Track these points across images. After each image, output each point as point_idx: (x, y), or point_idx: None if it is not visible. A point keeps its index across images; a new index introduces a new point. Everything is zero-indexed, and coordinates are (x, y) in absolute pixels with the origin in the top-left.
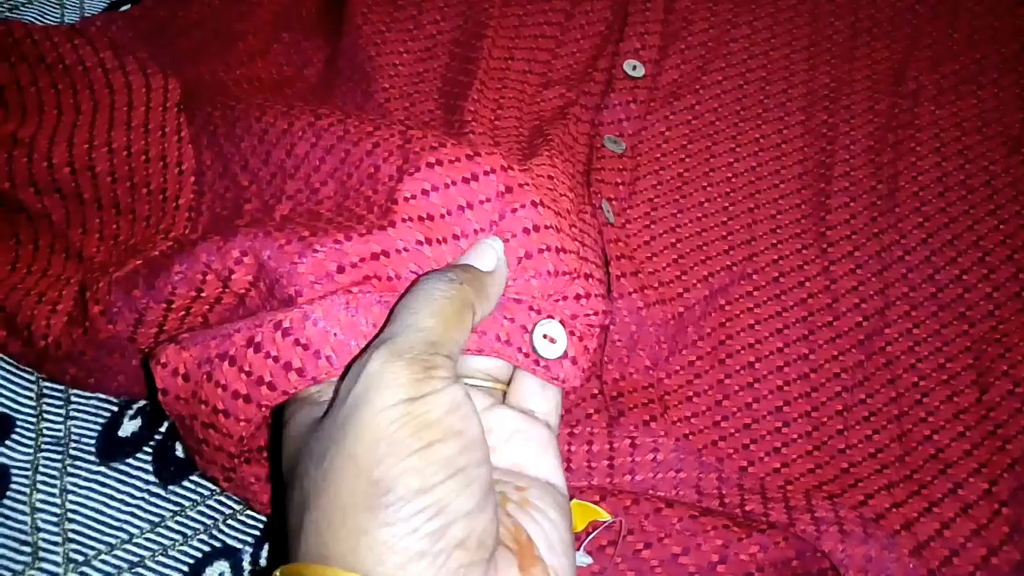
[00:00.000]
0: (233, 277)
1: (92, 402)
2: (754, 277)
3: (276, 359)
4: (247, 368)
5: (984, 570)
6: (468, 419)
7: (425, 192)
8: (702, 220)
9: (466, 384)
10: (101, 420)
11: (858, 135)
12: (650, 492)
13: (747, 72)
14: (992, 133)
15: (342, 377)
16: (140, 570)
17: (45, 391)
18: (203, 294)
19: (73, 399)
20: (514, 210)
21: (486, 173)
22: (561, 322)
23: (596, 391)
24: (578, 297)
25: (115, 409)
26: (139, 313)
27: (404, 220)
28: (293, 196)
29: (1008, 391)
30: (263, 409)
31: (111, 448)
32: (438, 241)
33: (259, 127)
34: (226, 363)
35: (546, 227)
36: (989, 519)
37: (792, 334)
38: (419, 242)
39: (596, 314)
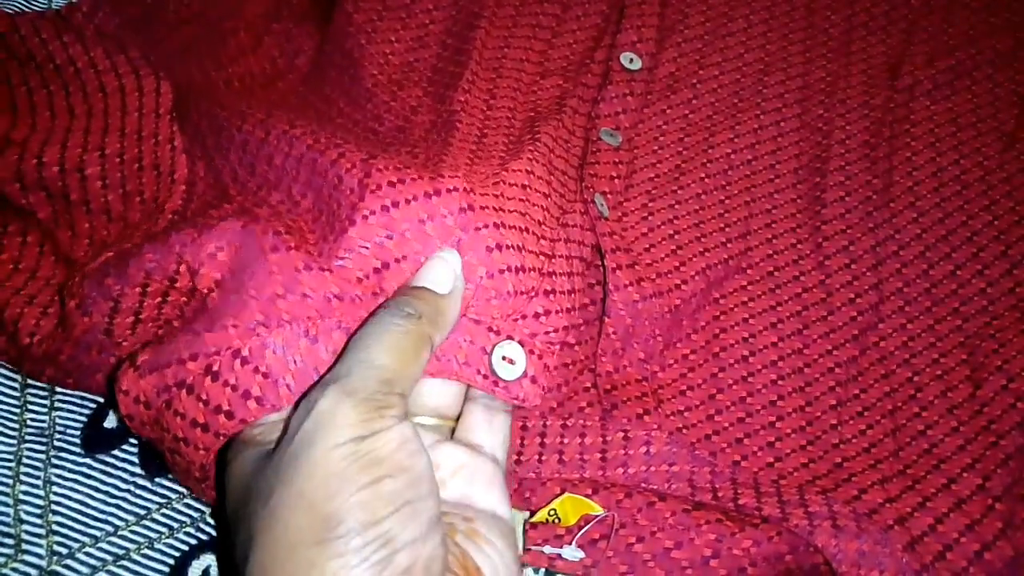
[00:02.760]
0: (201, 271)
1: (77, 393)
2: (749, 271)
3: (235, 387)
4: (204, 397)
5: (977, 565)
6: (415, 455)
7: (385, 208)
8: (699, 212)
9: (415, 422)
10: (86, 411)
11: (854, 129)
12: (643, 485)
13: (743, 66)
14: (987, 129)
15: (290, 416)
16: (125, 563)
17: (29, 381)
18: (177, 284)
19: (58, 390)
20: (477, 228)
21: (449, 191)
22: (520, 342)
23: (589, 384)
24: (537, 315)
25: (100, 400)
26: (114, 301)
27: (361, 245)
28: (275, 207)
29: (1002, 386)
30: (221, 438)
31: (96, 440)
32: (396, 261)
33: (240, 138)
34: (184, 391)
35: (507, 247)
36: (982, 514)
37: (786, 328)
38: (376, 270)
39: (556, 331)
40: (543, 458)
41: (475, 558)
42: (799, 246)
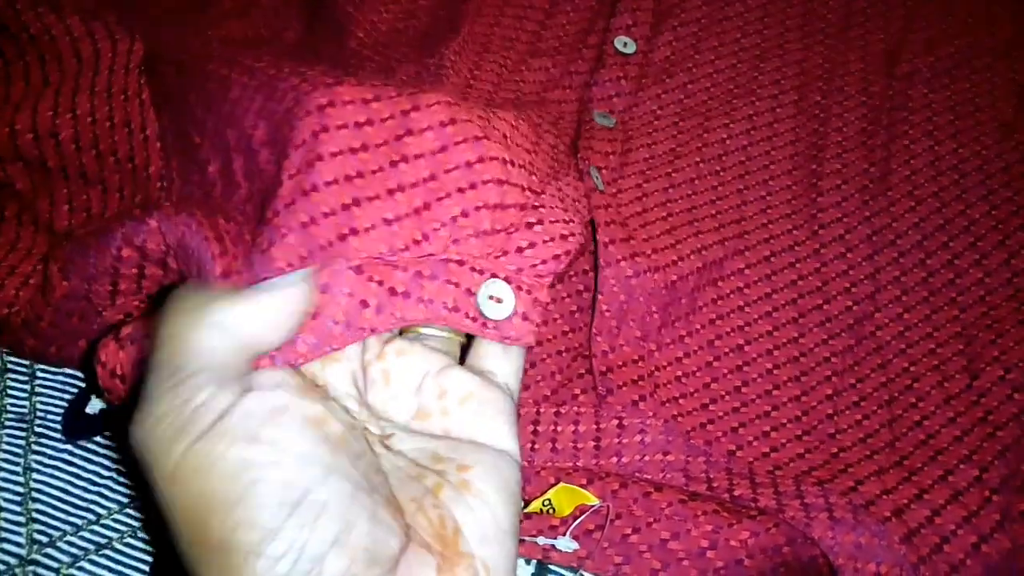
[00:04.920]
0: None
1: (59, 378)
2: (746, 254)
3: None
4: None
5: (974, 557)
6: (280, 436)
7: (354, 150)
8: (692, 197)
9: (421, 339)
10: (67, 397)
11: (851, 117)
12: (637, 475)
13: (740, 51)
14: (985, 118)
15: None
16: (108, 551)
17: (9, 366)
18: (148, 258)
19: (39, 375)
20: (448, 170)
21: (422, 130)
22: (506, 279)
23: (584, 371)
24: (520, 250)
25: (83, 385)
26: (92, 267)
27: (326, 181)
28: (235, 146)
29: (999, 377)
30: None
31: (78, 425)
32: (367, 199)
33: (201, 79)
34: None
35: (484, 183)
36: (980, 506)
37: (782, 316)
38: (344, 206)
39: (545, 262)
40: (536, 447)
41: (459, 516)
42: (795, 232)
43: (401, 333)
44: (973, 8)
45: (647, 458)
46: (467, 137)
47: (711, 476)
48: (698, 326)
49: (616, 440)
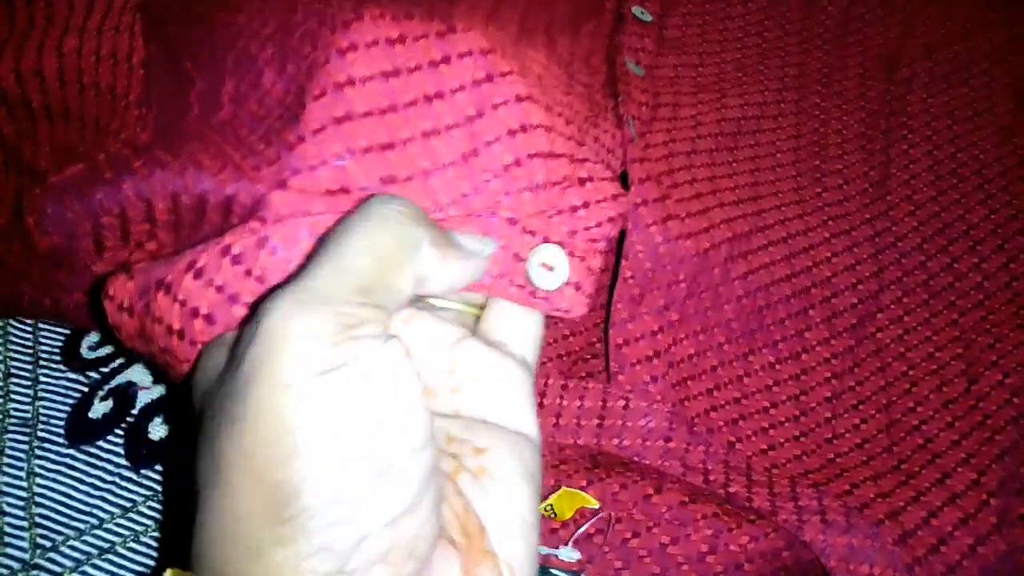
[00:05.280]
0: (157, 215)
1: (61, 382)
2: (767, 232)
3: (220, 288)
4: (181, 297)
5: (971, 559)
6: (402, 395)
7: (386, 75)
8: (712, 168)
9: (432, 308)
10: (71, 401)
11: (850, 120)
12: (635, 459)
13: (744, 49)
14: (983, 123)
15: (240, 331)
16: (111, 556)
17: (12, 371)
18: (130, 217)
19: (41, 379)
20: (495, 106)
21: (461, 55)
22: (560, 243)
23: (597, 341)
24: (574, 209)
25: (86, 390)
26: (70, 225)
27: (361, 112)
28: (232, 68)
29: (997, 381)
30: (198, 347)
31: (81, 430)
32: (403, 142)
33: (210, 5)
34: (162, 292)
35: (534, 127)
36: (977, 509)
37: (794, 306)
38: (374, 147)
39: (599, 225)
40: (539, 420)
41: (479, 507)
42: (807, 218)
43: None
44: (971, 13)
45: (648, 443)
46: (513, 68)
47: (708, 468)
48: (724, 302)
49: (620, 422)
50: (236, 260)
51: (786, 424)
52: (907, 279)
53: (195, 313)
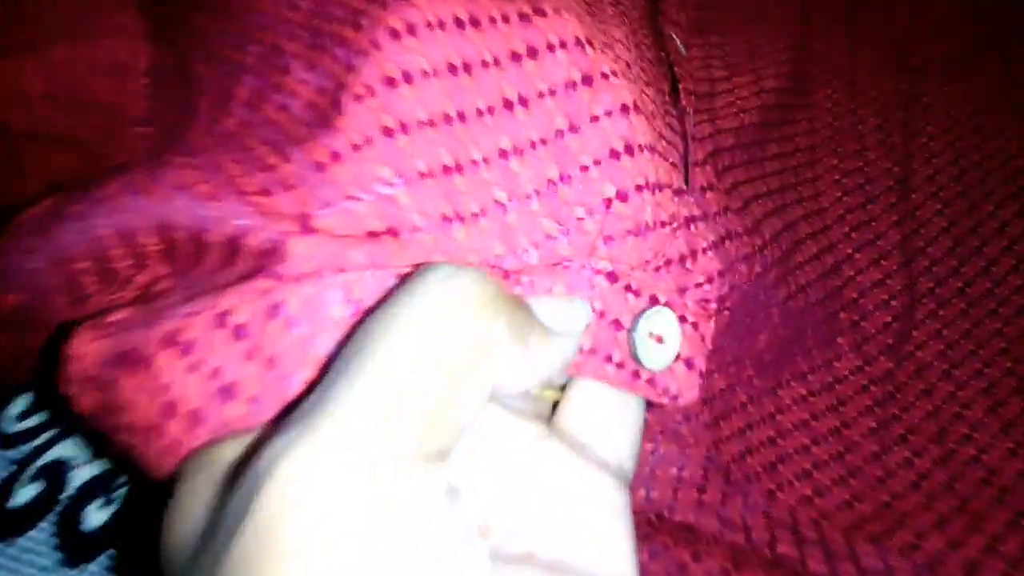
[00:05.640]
0: (144, 250)
1: None
2: (803, 248)
3: (213, 375)
4: (155, 382)
5: None
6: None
7: (453, 69)
8: (748, 168)
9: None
10: None
11: (866, 113)
12: (664, 513)
13: (749, 38)
14: (1006, 109)
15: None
16: None
17: None
18: (109, 262)
19: None
20: (595, 118)
21: (551, 47)
22: (668, 304)
23: None
24: (683, 259)
25: (5, 474)
26: (36, 278)
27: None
28: (254, 68)
29: None
30: (181, 450)
31: (1, 522)
32: (472, 164)
33: None
34: (127, 369)
35: (641, 147)
36: None
37: (822, 332)
38: (434, 169)
39: (709, 280)
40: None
41: None
42: (831, 230)
43: None
44: None
45: (680, 495)
46: (615, 69)
47: (748, 523)
48: (759, 330)
49: (648, 469)
50: (237, 334)
51: (830, 464)
52: (941, 289)
53: (171, 410)
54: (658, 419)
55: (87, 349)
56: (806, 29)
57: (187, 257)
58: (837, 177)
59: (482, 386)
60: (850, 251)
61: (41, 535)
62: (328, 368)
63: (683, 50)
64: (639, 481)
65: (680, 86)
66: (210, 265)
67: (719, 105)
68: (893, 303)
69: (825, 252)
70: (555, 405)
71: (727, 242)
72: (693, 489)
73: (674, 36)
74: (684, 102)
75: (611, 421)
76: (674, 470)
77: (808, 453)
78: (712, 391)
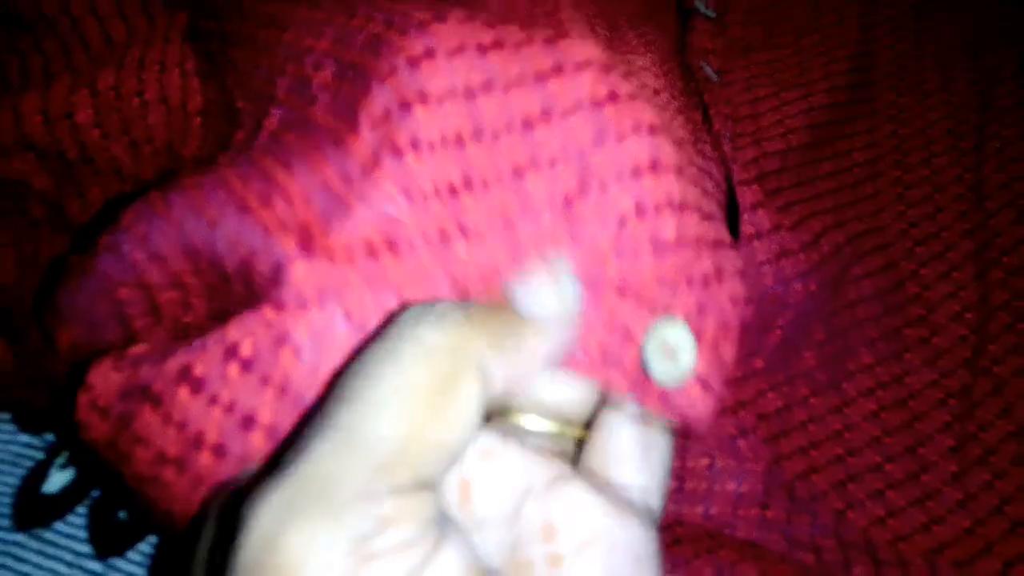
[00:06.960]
0: (182, 277)
1: (11, 448)
2: (864, 262)
3: (230, 408)
4: (178, 418)
5: None
6: None
7: (471, 91)
8: (800, 187)
9: (518, 430)
10: (19, 473)
11: (935, 116)
12: (725, 531)
13: (800, 51)
14: None
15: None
16: None
17: None
18: (154, 288)
19: None
20: (621, 137)
21: (578, 67)
22: (685, 319)
23: None
24: (706, 280)
25: (40, 456)
26: (88, 307)
27: (426, 145)
28: (284, 101)
29: None
30: (204, 485)
31: (32, 511)
32: (484, 183)
33: (248, 24)
34: (148, 405)
35: (665, 168)
36: None
37: (882, 350)
38: (442, 189)
39: (734, 303)
40: None
41: None
42: (890, 249)
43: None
44: None
45: (741, 512)
46: (638, 94)
47: (819, 543)
48: (804, 347)
49: (704, 485)
50: (247, 367)
51: (905, 484)
52: (1018, 302)
53: (199, 442)
54: (711, 433)
55: (103, 380)
56: (866, 35)
57: (218, 288)
58: (900, 191)
59: (464, 406)
60: (914, 267)
61: (70, 526)
62: (309, 414)
63: (714, 77)
64: (696, 498)
65: (710, 111)
66: (236, 297)
67: (764, 125)
68: (967, 315)
69: (885, 270)
70: (580, 443)
71: (782, 259)
72: (755, 506)
73: (704, 65)
74: (718, 127)
75: (637, 459)
76: (733, 485)
77: (880, 472)
78: (769, 408)
